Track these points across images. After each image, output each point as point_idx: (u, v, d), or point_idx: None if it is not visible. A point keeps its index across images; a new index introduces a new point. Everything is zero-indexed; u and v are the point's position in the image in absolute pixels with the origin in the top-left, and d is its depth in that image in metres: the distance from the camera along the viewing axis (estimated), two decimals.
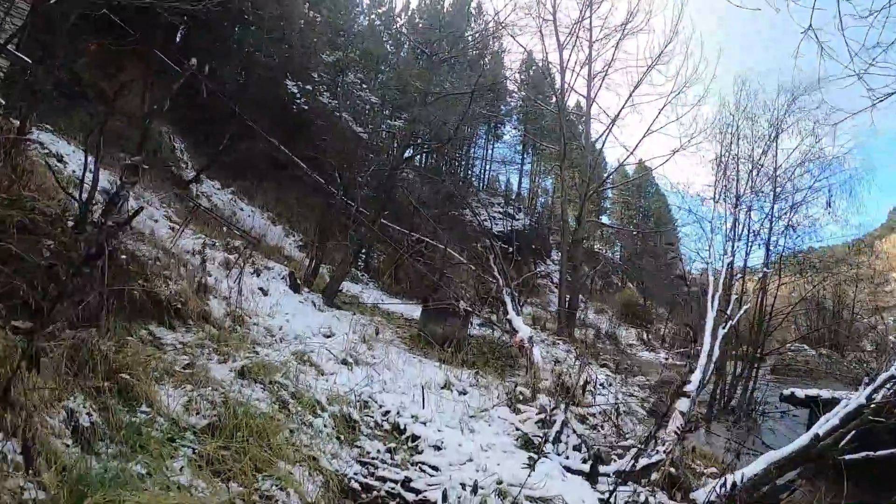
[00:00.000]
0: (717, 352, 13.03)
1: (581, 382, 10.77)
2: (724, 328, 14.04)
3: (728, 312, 14.96)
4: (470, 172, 49.31)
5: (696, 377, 11.77)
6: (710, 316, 13.96)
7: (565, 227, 26.95)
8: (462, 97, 19.48)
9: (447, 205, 32.53)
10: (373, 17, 37.34)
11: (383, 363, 10.70)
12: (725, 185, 19.71)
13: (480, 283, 22.90)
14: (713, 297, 14.49)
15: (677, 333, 39.40)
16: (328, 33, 29.16)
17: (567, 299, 26.28)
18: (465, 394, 10.53)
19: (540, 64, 28.09)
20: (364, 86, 30.52)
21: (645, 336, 36.97)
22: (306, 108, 26.67)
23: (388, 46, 36.99)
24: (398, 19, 39.29)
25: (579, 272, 27.58)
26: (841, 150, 19.46)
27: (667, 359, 32.09)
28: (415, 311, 18.43)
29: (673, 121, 25.24)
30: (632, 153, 26.66)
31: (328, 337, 11.05)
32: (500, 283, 14.23)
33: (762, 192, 19.37)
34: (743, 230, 18.63)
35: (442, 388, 10.52)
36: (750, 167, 19.52)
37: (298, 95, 26.53)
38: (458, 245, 27.83)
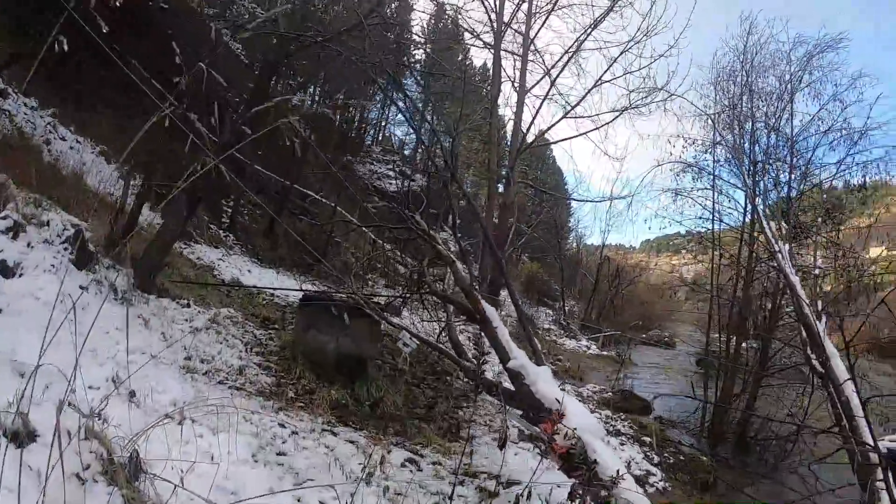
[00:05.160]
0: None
1: None
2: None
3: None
4: (364, 128, 41.92)
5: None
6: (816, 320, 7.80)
7: (492, 185, 20.19)
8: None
9: (339, 154, 25.33)
10: None
11: None
12: (734, 146, 13.61)
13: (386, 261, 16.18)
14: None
15: (586, 313, 34.14)
16: None
17: (488, 276, 19.54)
18: None
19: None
20: None
21: (561, 319, 31.04)
22: (166, 6, 18.57)
23: None
24: None
25: (506, 243, 20.99)
26: (870, 123, 13.34)
27: (588, 347, 26.55)
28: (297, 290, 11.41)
29: (635, 70, 18.60)
30: (574, 107, 19.95)
31: None
32: (464, 277, 7.41)
33: (782, 161, 13.50)
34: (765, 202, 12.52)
35: None
36: (768, 129, 13.63)
37: None
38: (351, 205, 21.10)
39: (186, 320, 8.41)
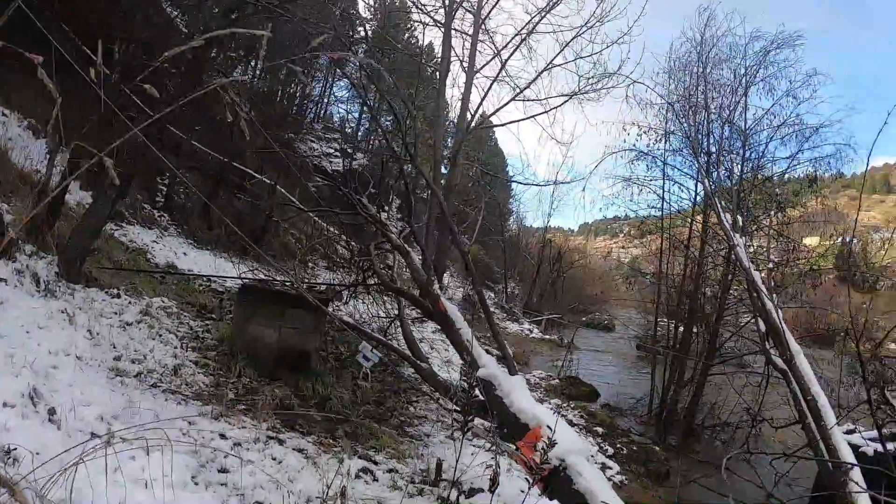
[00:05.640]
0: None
1: None
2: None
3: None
4: (306, 104, 40.57)
5: None
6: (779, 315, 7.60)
7: (437, 167, 19.71)
8: None
9: (280, 131, 24.29)
10: None
11: None
12: (689, 135, 13.82)
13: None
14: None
15: (528, 296, 34.09)
16: None
17: (433, 259, 19.08)
18: None
19: None
20: None
21: (504, 302, 30.84)
22: None
23: None
24: None
25: (447, 227, 20.53)
26: (822, 120, 14.12)
27: (530, 331, 26.45)
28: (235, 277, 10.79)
29: (587, 56, 18.50)
30: (523, 90, 19.70)
31: None
32: (419, 269, 6.99)
33: (736, 153, 13.86)
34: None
35: None
36: (722, 121, 13.93)
37: None
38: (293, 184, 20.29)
39: (116, 313, 7.73)
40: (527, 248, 41.66)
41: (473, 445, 7.58)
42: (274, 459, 5.13)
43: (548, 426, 3.65)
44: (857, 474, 5.91)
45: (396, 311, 9.36)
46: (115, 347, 6.53)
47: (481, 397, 5.34)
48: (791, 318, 14.36)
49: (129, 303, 8.31)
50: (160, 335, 7.55)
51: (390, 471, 5.78)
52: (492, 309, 27.74)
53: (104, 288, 8.47)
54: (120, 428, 4.49)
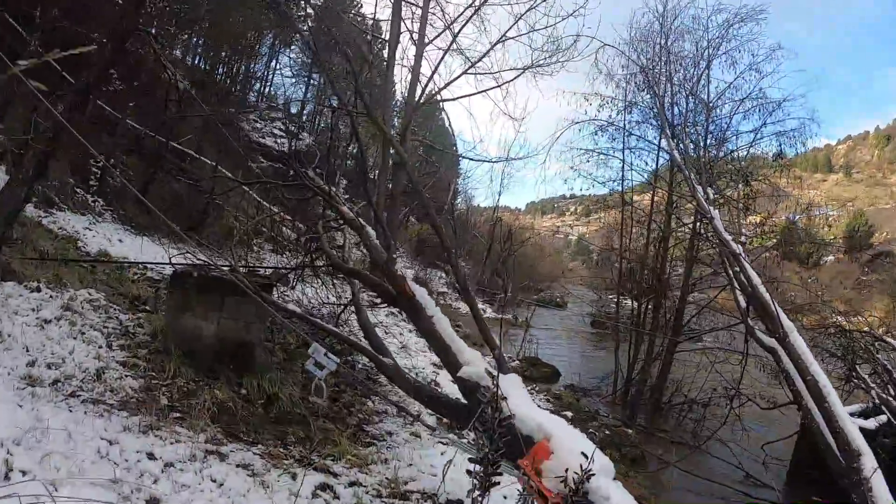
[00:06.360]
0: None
1: None
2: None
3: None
4: (249, 83, 38.92)
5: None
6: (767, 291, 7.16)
7: (385, 143, 18.76)
8: None
9: (222, 108, 22.98)
10: None
11: None
12: (657, 107, 13.56)
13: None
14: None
15: (480, 275, 33.59)
16: None
17: (384, 240, 18.23)
18: None
19: None
20: None
21: (456, 282, 30.19)
22: None
23: None
24: None
25: (398, 204, 19.69)
26: (784, 95, 14.03)
27: (484, 310, 25.81)
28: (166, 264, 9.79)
29: (542, 28, 17.73)
30: (475, 63, 18.76)
31: None
32: (377, 247, 6.18)
33: (701, 126, 13.67)
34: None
35: None
36: (685, 93, 13.78)
37: None
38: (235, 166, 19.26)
39: (34, 309, 6.71)
40: (475, 227, 41.09)
41: (442, 443, 6.88)
42: (214, 482, 4.29)
43: (583, 453, 2.80)
44: (869, 459, 5.42)
45: (350, 297, 8.55)
46: (28, 351, 5.58)
47: (470, 404, 4.53)
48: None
49: (50, 297, 7.31)
50: (83, 333, 6.56)
51: (352, 484, 4.99)
52: (444, 290, 27.17)
53: (22, 281, 7.46)
54: (22, 456, 3.63)
